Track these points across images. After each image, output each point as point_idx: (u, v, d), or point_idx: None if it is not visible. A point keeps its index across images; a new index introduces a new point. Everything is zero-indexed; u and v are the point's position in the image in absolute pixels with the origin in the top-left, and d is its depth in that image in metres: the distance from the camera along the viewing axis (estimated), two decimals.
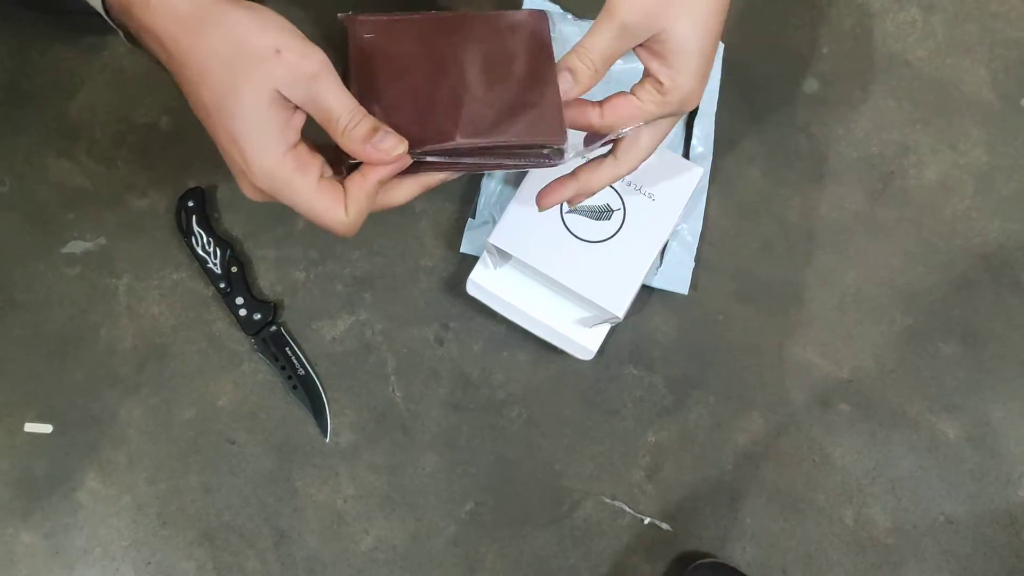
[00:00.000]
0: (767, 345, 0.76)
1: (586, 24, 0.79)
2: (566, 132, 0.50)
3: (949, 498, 0.74)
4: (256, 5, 0.45)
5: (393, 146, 0.46)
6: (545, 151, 0.51)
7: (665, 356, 0.76)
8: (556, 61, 0.51)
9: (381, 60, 0.51)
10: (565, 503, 0.74)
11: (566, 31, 0.78)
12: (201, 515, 0.73)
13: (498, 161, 0.51)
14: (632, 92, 0.50)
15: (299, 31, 0.45)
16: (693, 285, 0.76)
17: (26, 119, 0.78)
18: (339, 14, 0.53)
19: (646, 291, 0.76)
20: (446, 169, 0.50)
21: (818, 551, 0.73)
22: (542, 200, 0.56)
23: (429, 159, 0.49)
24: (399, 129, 0.47)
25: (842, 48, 0.81)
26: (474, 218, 0.77)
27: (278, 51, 0.43)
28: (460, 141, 0.48)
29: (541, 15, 0.54)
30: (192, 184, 0.77)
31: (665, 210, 0.68)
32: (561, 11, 0.80)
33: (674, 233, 0.75)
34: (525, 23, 0.54)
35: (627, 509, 0.74)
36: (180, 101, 0.81)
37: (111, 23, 0.50)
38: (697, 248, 0.76)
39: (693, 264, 0.76)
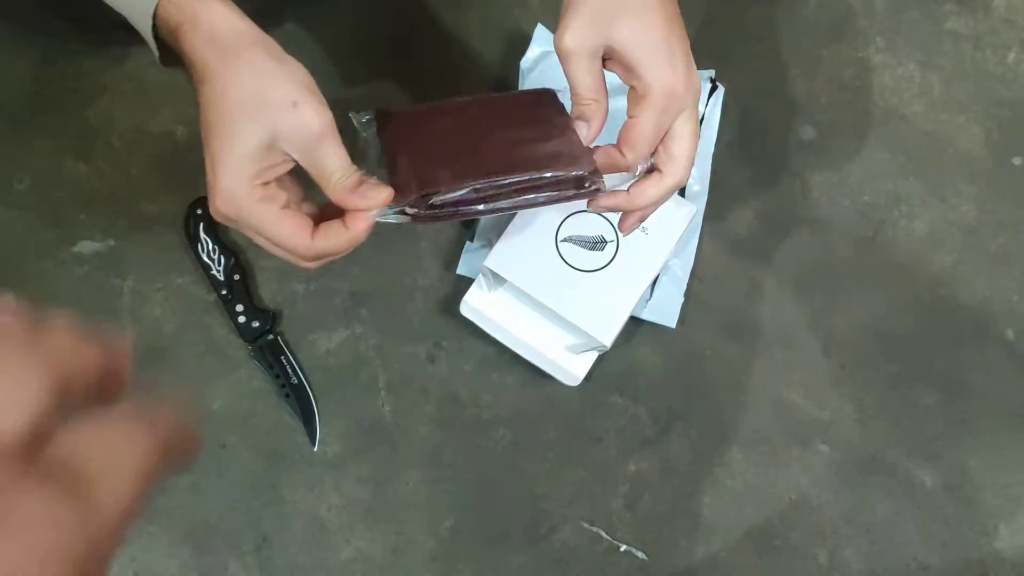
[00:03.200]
0: (751, 383, 0.78)
1: None
2: (593, 160, 0.54)
3: (923, 545, 0.75)
4: (288, 57, 0.49)
5: (378, 195, 0.50)
6: (587, 185, 0.54)
7: (650, 387, 0.77)
8: None
9: (417, 134, 0.57)
10: (544, 526, 0.75)
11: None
12: (187, 515, 0.75)
13: (529, 198, 0.54)
14: (627, 114, 0.53)
15: (317, 89, 0.49)
16: (681, 320, 0.78)
17: (48, 122, 0.81)
18: (350, 113, 0.57)
19: (635, 323, 0.77)
20: (477, 211, 0.53)
21: None
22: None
23: (461, 200, 0.52)
24: (438, 174, 0.52)
25: (840, 99, 0.83)
26: (472, 241, 0.79)
27: (295, 104, 0.47)
28: (492, 177, 0.52)
29: (548, 91, 0.61)
30: (203, 193, 0.79)
31: (658, 245, 0.70)
32: None
33: (665, 268, 0.77)
34: (537, 96, 0.60)
35: (604, 535, 0.75)
36: (197, 112, 0.83)
37: (152, 44, 0.53)
38: (687, 284, 0.78)
39: (683, 299, 0.77)
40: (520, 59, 0.82)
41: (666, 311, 0.77)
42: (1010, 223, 0.81)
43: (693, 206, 0.72)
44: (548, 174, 0.53)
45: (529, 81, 0.81)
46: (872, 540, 0.75)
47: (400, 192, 0.52)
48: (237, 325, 0.77)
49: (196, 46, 0.48)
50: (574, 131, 0.55)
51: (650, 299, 0.77)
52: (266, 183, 0.48)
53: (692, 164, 0.55)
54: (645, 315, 0.77)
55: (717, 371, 0.78)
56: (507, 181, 0.52)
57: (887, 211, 0.81)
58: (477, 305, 0.74)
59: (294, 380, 0.76)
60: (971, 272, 0.80)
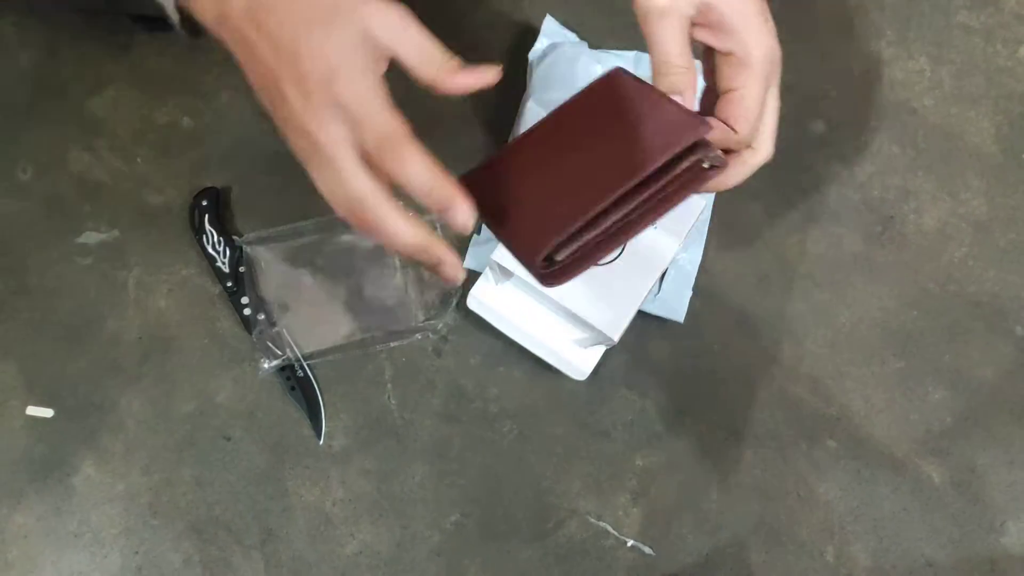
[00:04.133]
0: (759, 378, 0.77)
1: (602, 54, 0.81)
2: (704, 120, 0.46)
3: (931, 542, 0.75)
4: None
5: (485, 71, 0.46)
6: (705, 165, 0.47)
7: (658, 382, 0.77)
8: None
9: (505, 190, 0.50)
10: (550, 520, 0.75)
11: (586, 61, 0.80)
12: (192, 508, 0.74)
13: (657, 200, 0.47)
14: (722, 89, 0.48)
15: None
16: (689, 314, 0.77)
17: (52, 111, 0.81)
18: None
19: (643, 317, 0.77)
20: (604, 246, 0.47)
21: None
22: None
23: (581, 238, 0.46)
24: (546, 226, 0.46)
25: (850, 92, 0.83)
26: (479, 234, 0.78)
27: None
28: (617, 190, 0.45)
29: (616, 71, 0.53)
30: (207, 184, 0.79)
31: (666, 238, 0.69)
32: (578, 39, 0.82)
33: (674, 262, 0.77)
34: (608, 83, 0.52)
35: (611, 530, 0.74)
36: (201, 103, 0.83)
37: (171, 17, 0.49)
38: (696, 278, 0.77)
39: (691, 293, 0.77)
40: (529, 51, 0.81)
41: (674, 305, 0.77)
42: (1020, 218, 0.80)
43: (702, 200, 0.71)
44: (662, 161, 0.45)
45: (538, 74, 0.80)
46: (879, 537, 0.75)
47: (527, 259, 0.48)
48: (242, 317, 0.76)
49: None
50: (666, 97, 0.48)
51: (658, 293, 0.77)
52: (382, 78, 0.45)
53: (774, 135, 0.51)
54: (653, 309, 0.77)
55: (725, 365, 0.77)
56: (622, 193, 0.45)
57: (896, 205, 0.81)
58: (484, 298, 0.73)
59: (300, 373, 0.76)
60: (980, 267, 0.80)
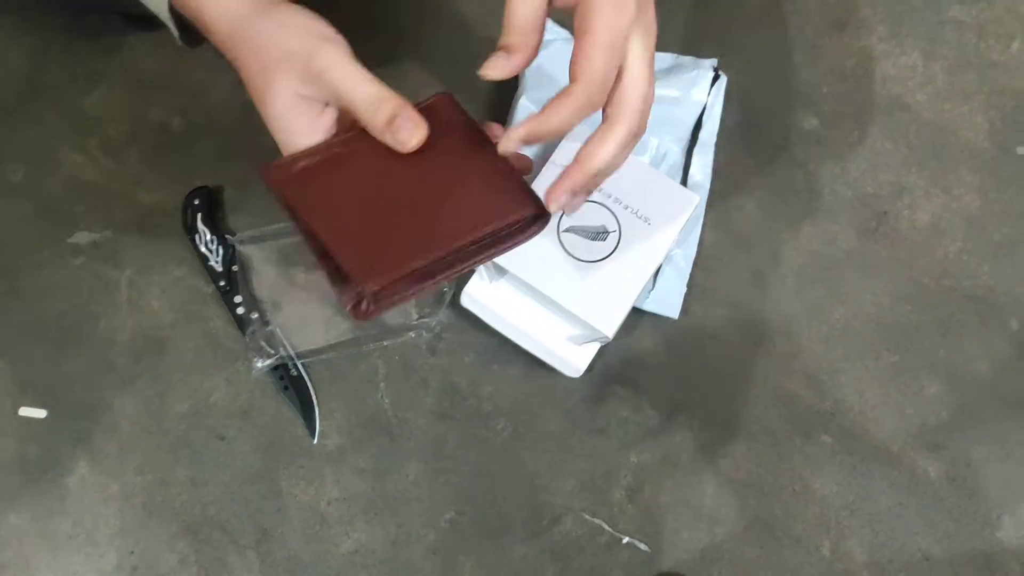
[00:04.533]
0: (753, 374, 0.77)
1: None
2: (530, 197, 0.49)
3: (926, 536, 0.75)
4: (285, 7, 0.48)
5: (409, 136, 0.48)
6: (532, 226, 0.50)
7: (652, 378, 0.77)
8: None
9: (325, 202, 0.48)
10: (545, 518, 0.75)
11: None
12: (186, 508, 0.74)
13: (483, 255, 0.50)
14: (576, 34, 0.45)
15: (316, 26, 0.49)
16: (684, 310, 0.77)
17: (43, 112, 0.81)
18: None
19: (637, 313, 0.77)
20: (435, 279, 0.49)
21: None
22: (553, 202, 0.49)
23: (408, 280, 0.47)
24: (376, 263, 0.46)
25: (842, 88, 0.83)
26: None
27: (287, 58, 0.47)
28: (434, 253, 0.47)
29: (443, 96, 0.54)
30: (199, 183, 0.79)
31: (660, 235, 0.69)
32: (570, 36, 0.82)
33: (668, 258, 0.77)
34: (433, 112, 0.51)
35: (606, 527, 0.74)
36: (193, 102, 0.83)
37: (172, 26, 0.54)
38: (690, 274, 0.77)
39: (685, 290, 0.77)
40: None
41: (668, 302, 0.77)
42: (1013, 212, 0.80)
43: (696, 195, 0.71)
44: (489, 229, 0.48)
45: (530, 71, 0.80)
46: (875, 531, 0.75)
47: (338, 288, 0.48)
48: (235, 317, 0.76)
49: (213, 22, 0.49)
50: (499, 157, 0.49)
51: (652, 289, 0.76)
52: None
53: (648, 109, 0.46)
54: (647, 306, 0.76)
55: (719, 362, 0.77)
56: (450, 250, 0.47)
57: (890, 201, 0.81)
58: (478, 296, 0.73)
59: (293, 372, 0.76)
60: (974, 262, 0.80)
